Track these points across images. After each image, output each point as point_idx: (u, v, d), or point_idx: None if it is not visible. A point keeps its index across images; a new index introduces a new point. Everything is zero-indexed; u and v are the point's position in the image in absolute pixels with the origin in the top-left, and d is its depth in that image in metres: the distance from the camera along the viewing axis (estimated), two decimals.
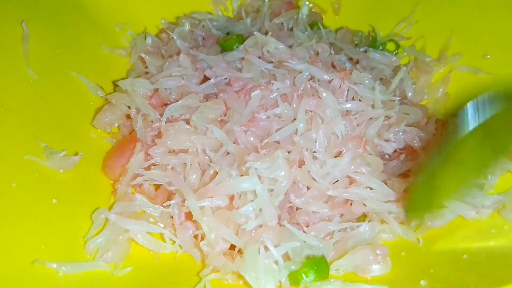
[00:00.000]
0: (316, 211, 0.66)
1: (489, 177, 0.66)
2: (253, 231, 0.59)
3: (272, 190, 0.62)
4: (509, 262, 0.54)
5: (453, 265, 0.55)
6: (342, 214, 0.67)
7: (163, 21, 0.95)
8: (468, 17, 0.84)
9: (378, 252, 0.56)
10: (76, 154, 0.66)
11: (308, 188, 0.67)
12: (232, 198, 0.61)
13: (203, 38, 0.90)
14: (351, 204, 0.67)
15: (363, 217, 0.67)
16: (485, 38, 0.81)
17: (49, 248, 0.54)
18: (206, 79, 0.80)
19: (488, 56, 0.80)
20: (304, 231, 0.64)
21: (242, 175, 0.63)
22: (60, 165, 0.63)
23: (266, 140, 0.67)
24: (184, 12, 0.97)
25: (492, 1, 0.81)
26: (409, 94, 0.82)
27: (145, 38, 0.88)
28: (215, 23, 0.94)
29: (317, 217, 0.66)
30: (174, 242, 0.62)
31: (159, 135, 0.70)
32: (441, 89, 0.82)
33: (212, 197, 0.60)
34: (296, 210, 0.67)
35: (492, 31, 0.80)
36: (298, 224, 0.65)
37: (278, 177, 0.60)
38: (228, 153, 0.68)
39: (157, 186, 0.70)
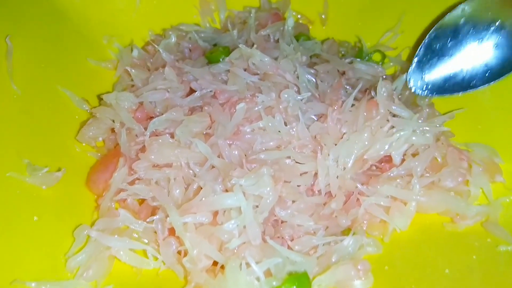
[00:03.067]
0: (301, 224, 0.66)
1: (473, 187, 0.66)
2: (236, 248, 0.58)
3: (257, 206, 0.62)
4: (491, 278, 0.55)
5: (435, 280, 0.55)
6: (327, 227, 0.67)
7: (150, 33, 0.95)
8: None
9: (359, 267, 0.56)
10: (59, 170, 0.66)
11: (293, 201, 0.67)
12: (216, 214, 0.61)
13: (190, 50, 0.90)
14: (336, 216, 0.67)
15: (347, 230, 0.67)
16: None
17: (29, 266, 0.54)
18: (192, 91, 0.80)
19: None
20: (288, 245, 0.64)
21: (227, 190, 0.63)
22: (43, 181, 0.63)
23: (253, 157, 0.67)
24: (171, 23, 0.97)
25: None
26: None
27: (132, 50, 0.88)
28: (202, 35, 0.94)
29: (301, 230, 0.66)
30: (157, 258, 0.62)
31: (143, 149, 0.70)
32: (426, 100, 0.82)
33: (195, 213, 0.60)
34: (281, 223, 0.67)
35: None
36: (282, 238, 0.65)
37: (263, 194, 0.60)
38: (213, 167, 0.68)
39: (141, 201, 0.70)
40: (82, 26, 0.89)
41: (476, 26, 0.68)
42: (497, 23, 0.63)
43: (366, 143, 0.64)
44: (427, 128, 0.66)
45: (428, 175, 0.66)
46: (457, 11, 0.65)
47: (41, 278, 0.54)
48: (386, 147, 0.65)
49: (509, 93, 0.73)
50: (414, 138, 0.65)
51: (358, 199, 0.67)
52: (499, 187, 0.67)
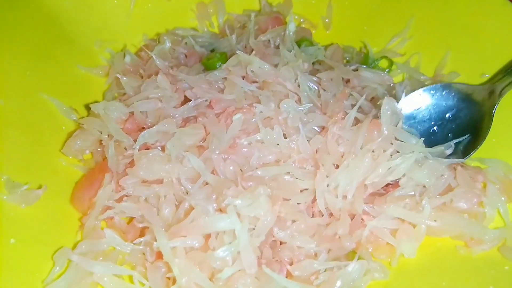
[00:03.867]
0: (301, 246, 0.61)
1: (488, 208, 0.61)
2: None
3: (254, 229, 0.57)
4: None
5: None
6: (329, 250, 0.62)
7: (144, 38, 0.90)
8: (466, 32, 0.79)
9: None
10: (40, 187, 0.61)
11: (293, 221, 0.62)
12: (208, 237, 0.56)
13: (186, 56, 0.86)
14: (339, 237, 0.62)
15: (352, 253, 0.61)
16: (483, 56, 0.76)
17: None
18: (187, 100, 0.75)
19: (486, 75, 0.75)
20: (287, 270, 0.59)
21: (220, 210, 0.58)
22: (22, 200, 0.59)
23: (249, 173, 0.62)
24: (167, 27, 0.92)
25: (492, 17, 0.77)
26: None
27: (124, 56, 0.84)
28: (199, 40, 0.89)
29: (302, 253, 0.61)
30: (143, 284, 0.57)
31: (132, 163, 0.65)
32: None
33: (185, 236, 0.55)
34: (280, 244, 0.62)
35: (490, 49, 0.76)
36: (281, 261, 0.60)
37: (259, 216, 0.56)
38: (206, 183, 0.63)
39: (130, 219, 0.65)
40: (72, 30, 0.84)
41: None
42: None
43: (367, 169, 0.60)
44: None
45: (438, 196, 0.61)
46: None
47: None
48: (389, 175, 0.60)
49: None
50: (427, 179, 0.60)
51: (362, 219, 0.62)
52: None
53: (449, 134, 0.68)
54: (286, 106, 0.69)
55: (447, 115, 0.66)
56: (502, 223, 0.61)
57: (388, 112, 0.63)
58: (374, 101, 0.79)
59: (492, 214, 0.61)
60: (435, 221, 0.58)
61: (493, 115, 0.66)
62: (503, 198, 0.62)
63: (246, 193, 0.56)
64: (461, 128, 0.67)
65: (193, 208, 0.59)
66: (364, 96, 0.71)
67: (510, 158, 0.67)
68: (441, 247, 0.61)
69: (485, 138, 0.66)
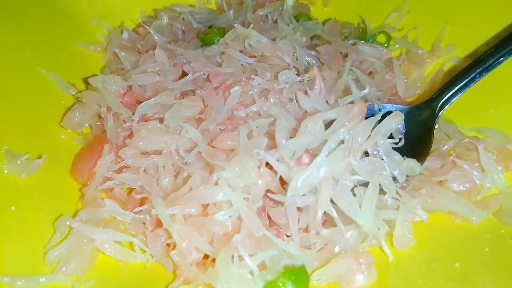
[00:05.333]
0: None
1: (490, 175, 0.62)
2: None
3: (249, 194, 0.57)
4: (505, 272, 0.50)
5: (444, 275, 0.51)
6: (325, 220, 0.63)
7: (141, 15, 0.90)
8: (464, 6, 0.79)
9: (362, 260, 0.52)
10: (40, 157, 0.62)
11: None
12: (206, 206, 0.57)
13: (183, 32, 0.85)
14: None
15: None
16: (481, 28, 0.76)
17: (4, 260, 0.50)
18: (184, 74, 0.75)
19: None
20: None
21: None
22: (22, 169, 0.59)
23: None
24: (164, 4, 0.92)
25: None
26: (400, 90, 0.77)
27: (122, 32, 0.84)
28: (196, 16, 0.89)
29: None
30: (144, 251, 0.58)
31: (131, 135, 0.65)
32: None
33: (183, 205, 0.55)
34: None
35: (487, 23, 0.75)
36: (278, 229, 0.61)
37: (251, 184, 0.56)
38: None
39: (129, 190, 0.66)
40: (70, 7, 0.84)
41: None
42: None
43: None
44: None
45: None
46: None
47: (16, 273, 0.50)
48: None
49: None
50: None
51: None
52: None
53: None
54: (284, 77, 0.69)
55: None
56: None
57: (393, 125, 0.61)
58: (372, 76, 0.79)
59: (490, 187, 0.62)
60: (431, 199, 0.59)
61: (433, 133, 0.67)
62: (499, 168, 0.63)
63: (234, 164, 0.56)
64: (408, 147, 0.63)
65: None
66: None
67: (507, 128, 0.67)
68: (438, 216, 0.61)
69: (429, 151, 0.65)
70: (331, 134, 0.56)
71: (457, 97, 0.67)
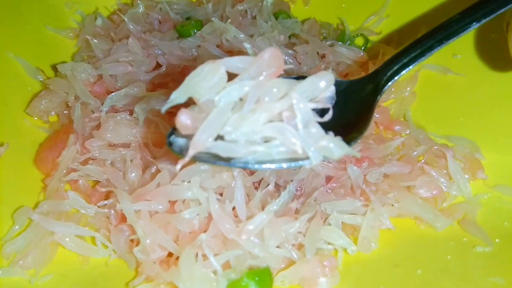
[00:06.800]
0: None
1: (456, 183, 0.63)
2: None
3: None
4: (465, 281, 0.51)
5: (405, 281, 0.51)
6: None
7: (117, 1, 0.87)
8: (441, 13, 0.80)
9: (325, 263, 0.52)
10: (2, 144, 0.59)
11: None
12: (173, 202, 0.56)
13: (159, 22, 0.83)
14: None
15: None
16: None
17: None
18: (158, 66, 0.74)
19: (458, 56, 0.76)
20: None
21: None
22: None
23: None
24: None
25: None
26: None
27: (95, 19, 0.81)
28: (174, 7, 0.87)
29: None
30: (106, 246, 0.56)
31: (98, 126, 0.64)
32: (408, 88, 0.77)
33: (150, 200, 0.54)
34: None
35: None
36: None
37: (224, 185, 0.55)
38: None
39: (95, 183, 0.64)
40: None
41: None
42: None
43: None
44: None
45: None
46: None
47: None
48: None
49: (490, 87, 0.70)
50: None
51: None
52: (478, 183, 0.64)
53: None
54: None
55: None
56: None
57: None
58: (348, 78, 0.79)
59: (456, 194, 0.63)
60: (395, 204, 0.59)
61: (374, 109, 0.54)
62: (466, 176, 0.64)
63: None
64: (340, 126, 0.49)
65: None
66: None
67: (477, 137, 0.68)
68: (404, 221, 0.62)
69: (365, 131, 0.52)
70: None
71: (408, 68, 0.54)
